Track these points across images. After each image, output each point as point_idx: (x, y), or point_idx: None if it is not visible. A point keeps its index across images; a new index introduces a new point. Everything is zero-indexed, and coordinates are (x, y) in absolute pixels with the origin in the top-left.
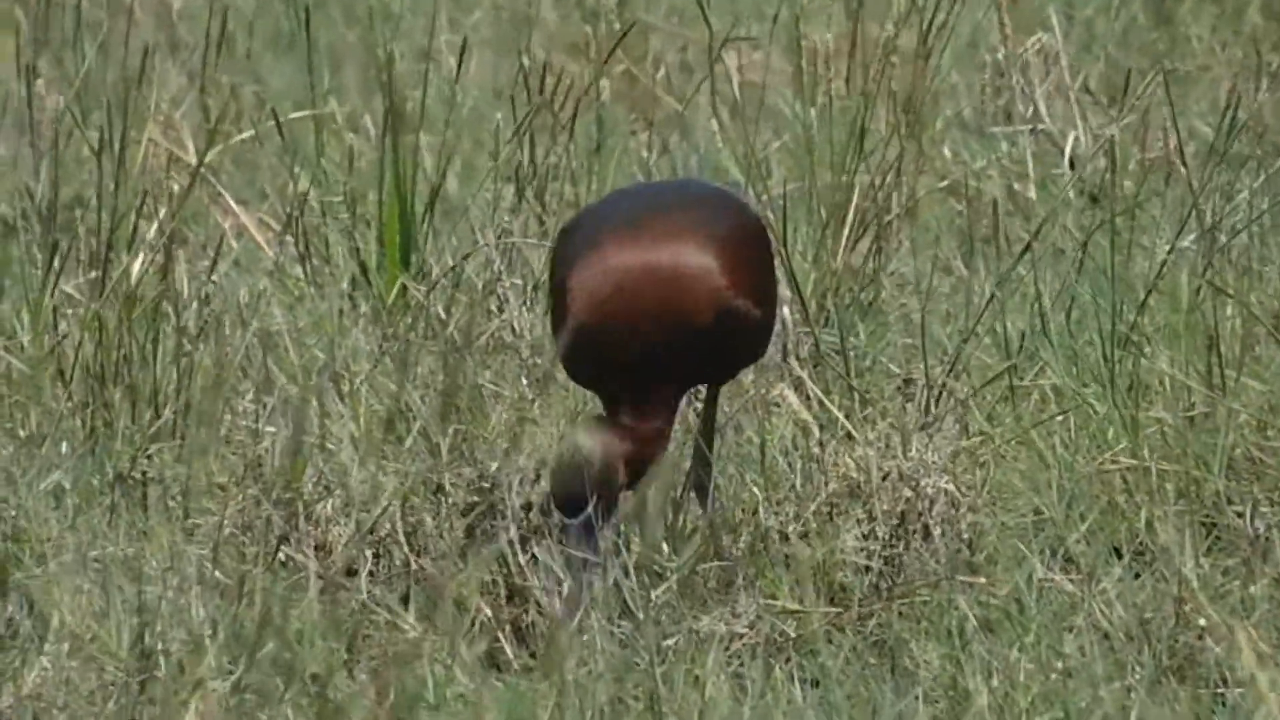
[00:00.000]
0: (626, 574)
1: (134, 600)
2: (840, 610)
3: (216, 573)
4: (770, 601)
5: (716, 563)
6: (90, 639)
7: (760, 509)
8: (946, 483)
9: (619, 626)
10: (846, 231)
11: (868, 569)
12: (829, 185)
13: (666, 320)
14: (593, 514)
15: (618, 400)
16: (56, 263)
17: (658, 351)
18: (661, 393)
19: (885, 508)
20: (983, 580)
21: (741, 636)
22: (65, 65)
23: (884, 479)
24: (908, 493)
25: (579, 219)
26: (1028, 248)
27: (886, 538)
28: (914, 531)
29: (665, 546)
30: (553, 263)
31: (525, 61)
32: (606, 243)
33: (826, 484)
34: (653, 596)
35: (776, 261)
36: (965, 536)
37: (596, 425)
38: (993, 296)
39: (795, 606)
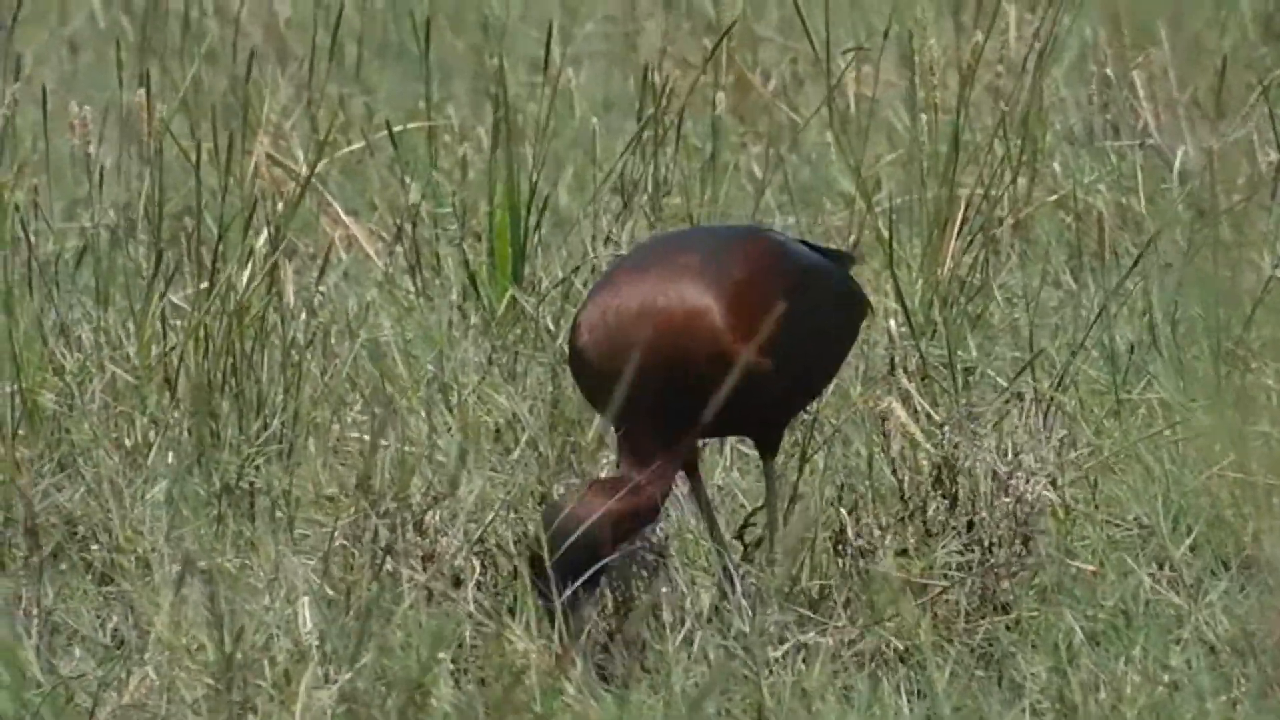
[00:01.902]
0: (734, 588)
1: (240, 610)
2: (946, 623)
3: (323, 584)
4: (876, 615)
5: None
6: (195, 649)
7: (868, 522)
8: (1054, 495)
9: (727, 638)
10: (953, 243)
11: (974, 581)
12: (936, 197)
13: (662, 359)
14: (578, 589)
15: (622, 446)
16: (164, 273)
17: (657, 392)
18: (664, 440)
19: (992, 520)
20: (1091, 569)
21: (848, 648)
22: (173, 74)
23: (991, 491)
24: (1015, 505)
25: (615, 261)
26: (1137, 262)
27: (993, 549)
28: (1019, 543)
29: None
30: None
31: (636, 73)
32: (615, 281)
33: (933, 496)
34: (759, 609)
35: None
36: (1071, 548)
37: (587, 489)
38: (1102, 310)
39: (901, 619)
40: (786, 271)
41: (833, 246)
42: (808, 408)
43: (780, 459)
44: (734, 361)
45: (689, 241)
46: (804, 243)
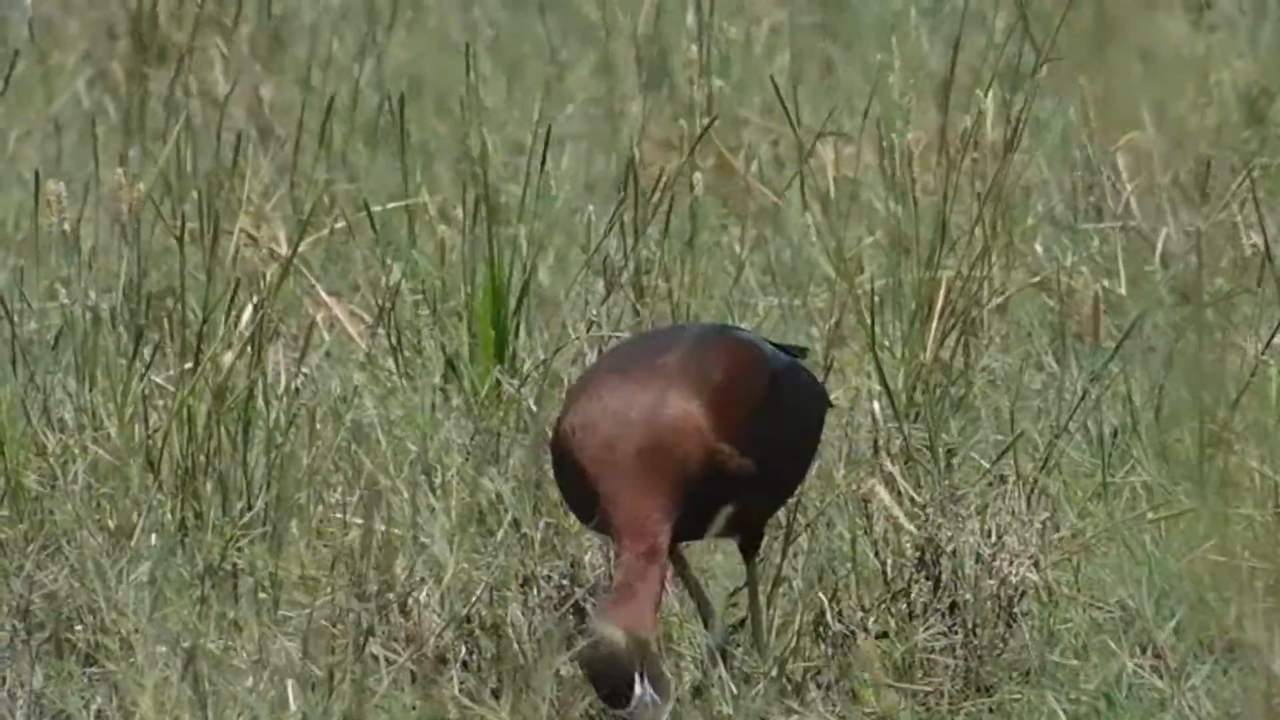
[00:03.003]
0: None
1: (224, 692)
2: (928, 706)
3: (307, 664)
4: (858, 701)
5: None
6: None
7: (851, 604)
8: (1037, 576)
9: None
10: (934, 326)
11: (957, 664)
12: (918, 280)
13: (645, 459)
14: (646, 692)
15: (618, 537)
16: (146, 353)
17: (644, 494)
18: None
19: (975, 601)
20: (1075, 661)
21: None
22: (155, 155)
23: (974, 573)
24: (998, 587)
25: (592, 365)
26: (1120, 345)
27: (976, 631)
28: (1003, 625)
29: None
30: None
31: (618, 155)
32: (595, 385)
33: (916, 578)
34: (743, 694)
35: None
36: (1054, 630)
37: (604, 606)
38: (1085, 394)
39: (883, 703)
40: (760, 371)
41: (789, 342)
42: (785, 506)
43: (764, 540)
44: (718, 461)
45: (664, 343)
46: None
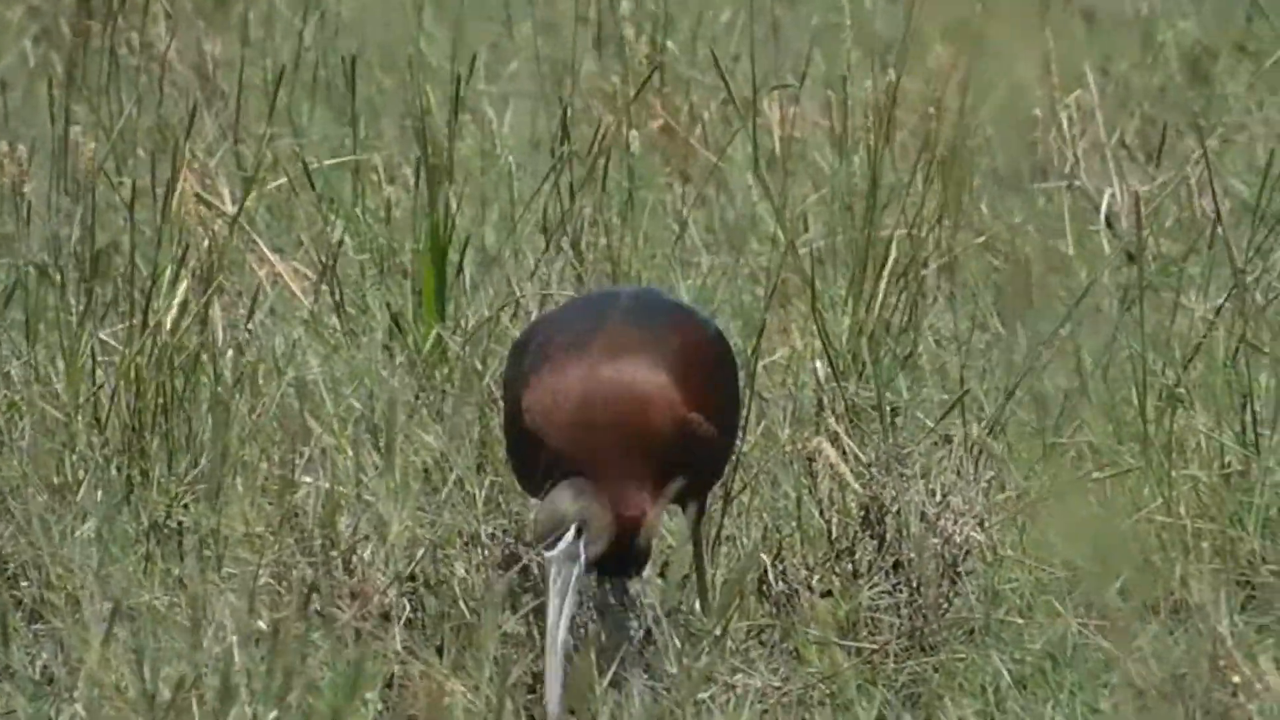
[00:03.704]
0: (659, 629)
1: (168, 649)
2: (873, 664)
3: (251, 621)
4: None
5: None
6: (124, 686)
7: (795, 562)
8: (981, 536)
9: (654, 680)
10: (882, 285)
11: (901, 624)
12: (863, 239)
13: (622, 434)
14: (574, 546)
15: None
16: (93, 310)
17: (618, 463)
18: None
19: (920, 561)
20: (1016, 630)
21: (776, 690)
22: (100, 112)
23: (919, 532)
24: (942, 546)
25: (531, 333)
26: (1071, 312)
27: (920, 590)
28: (947, 584)
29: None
30: (506, 379)
31: (562, 111)
32: (554, 360)
33: (861, 537)
34: (688, 651)
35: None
36: (998, 590)
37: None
38: (1031, 353)
39: (827, 661)
40: (704, 335)
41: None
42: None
43: (708, 500)
44: (691, 430)
45: (613, 314)
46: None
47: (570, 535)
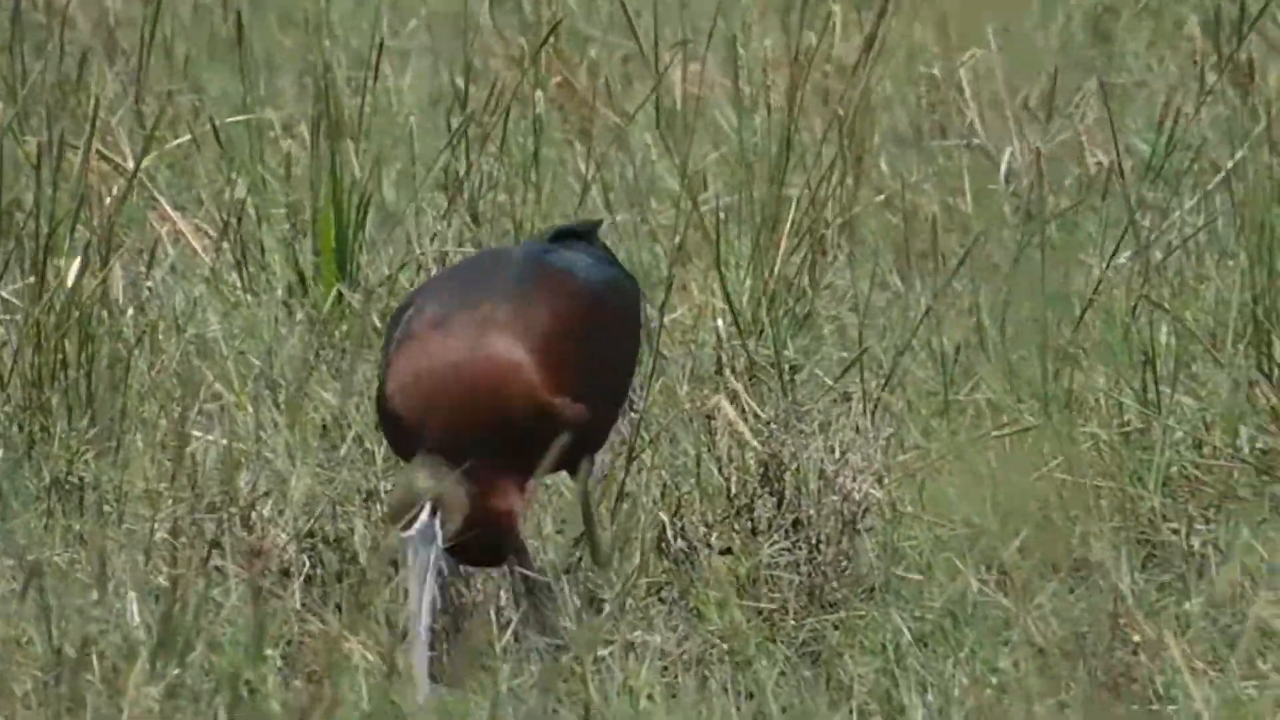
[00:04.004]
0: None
1: (68, 605)
2: (772, 622)
3: (154, 578)
4: (702, 617)
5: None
6: (25, 642)
7: (694, 520)
8: (880, 493)
9: (554, 637)
10: (782, 244)
11: (800, 581)
12: (764, 197)
13: (481, 417)
14: (430, 526)
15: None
16: None
17: (481, 445)
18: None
19: (819, 518)
20: (916, 587)
21: (676, 648)
22: (3, 70)
23: (818, 490)
24: (841, 503)
25: (409, 299)
26: (962, 262)
27: (820, 547)
28: (847, 542)
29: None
30: (384, 345)
31: (460, 70)
32: (417, 336)
33: (760, 494)
34: (586, 609)
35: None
36: (897, 548)
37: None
38: (928, 310)
39: (726, 620)
40: (584, 305)
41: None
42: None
43: (608, 458)
44: (552, 413)
45: (485, 286)
46: (572, 233)
47: (425, 515)
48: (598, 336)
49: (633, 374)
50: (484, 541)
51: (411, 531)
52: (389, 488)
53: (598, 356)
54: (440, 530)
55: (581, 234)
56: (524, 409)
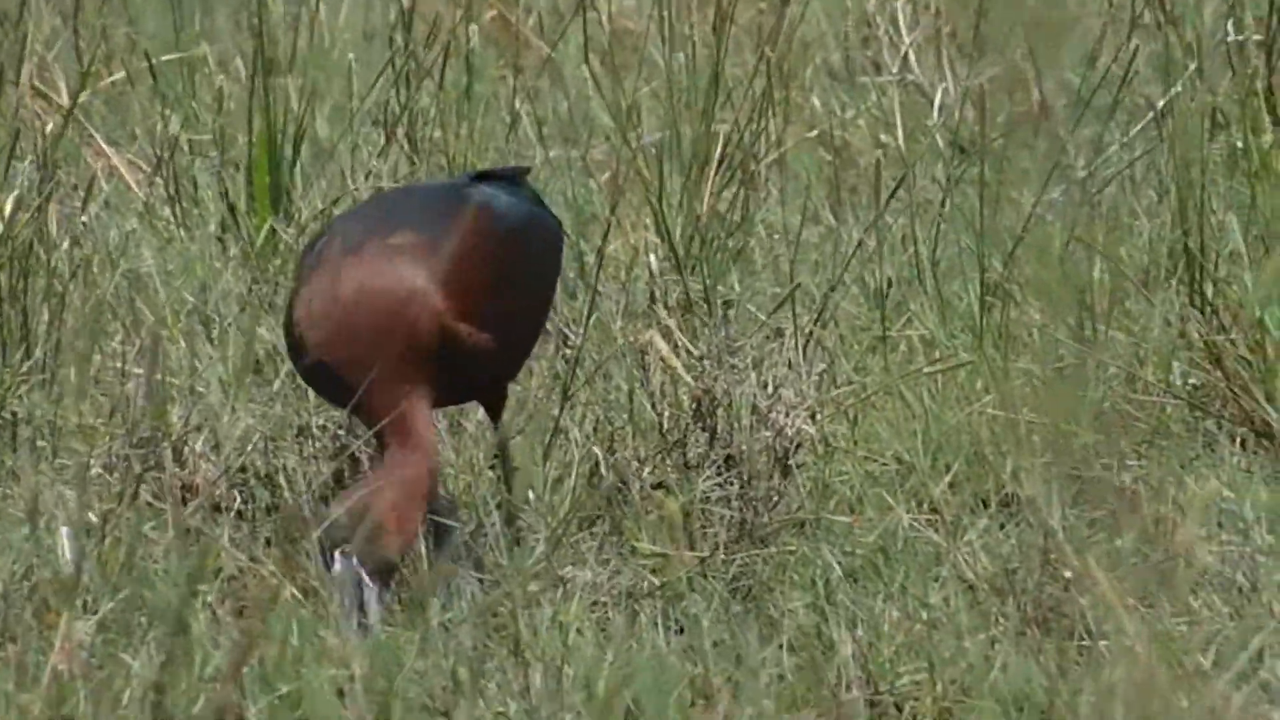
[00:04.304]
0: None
1: (1, 541)
2: (704, 556)
3: (86, 513)
4: (634, 552)
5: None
6: None
7: (626, 455)
8: (813, 429)
9: (484, 573)
10: (712, 179)
11: (732, 516)
12: (695, 132)
13: (382, 343)
14: (346, 568)
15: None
16: None
17: (382, 373)
18: (406, 416)
19: (751, 453)
20: (847, 523)
21: (607, 582)
22: None
23: (751, 425)
24: (774, 439)
25: (323, 228)
26: (892, 194)
27: (752, 482)
28: (778, 477)
29: (531, 494)
30: (295, 272)
31: (395, 5)
32: (328, 263)
33: (693, 429)
34: (519, 544)
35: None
36: (829, 483)
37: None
38: (860, 244)
39: (659, 552)
40: (500, 237)
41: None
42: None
43: (540, 393)
44: (457, 340)
45: (401, 216)
46: (491, 174)
47: (339, 560)
48: (511, 271)
49: (547, 313)
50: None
51: (337, 568)
52: (320, 424)
53: (510, 291)
54: (361, 567)
55: (505, 176)
56: (428, 334)
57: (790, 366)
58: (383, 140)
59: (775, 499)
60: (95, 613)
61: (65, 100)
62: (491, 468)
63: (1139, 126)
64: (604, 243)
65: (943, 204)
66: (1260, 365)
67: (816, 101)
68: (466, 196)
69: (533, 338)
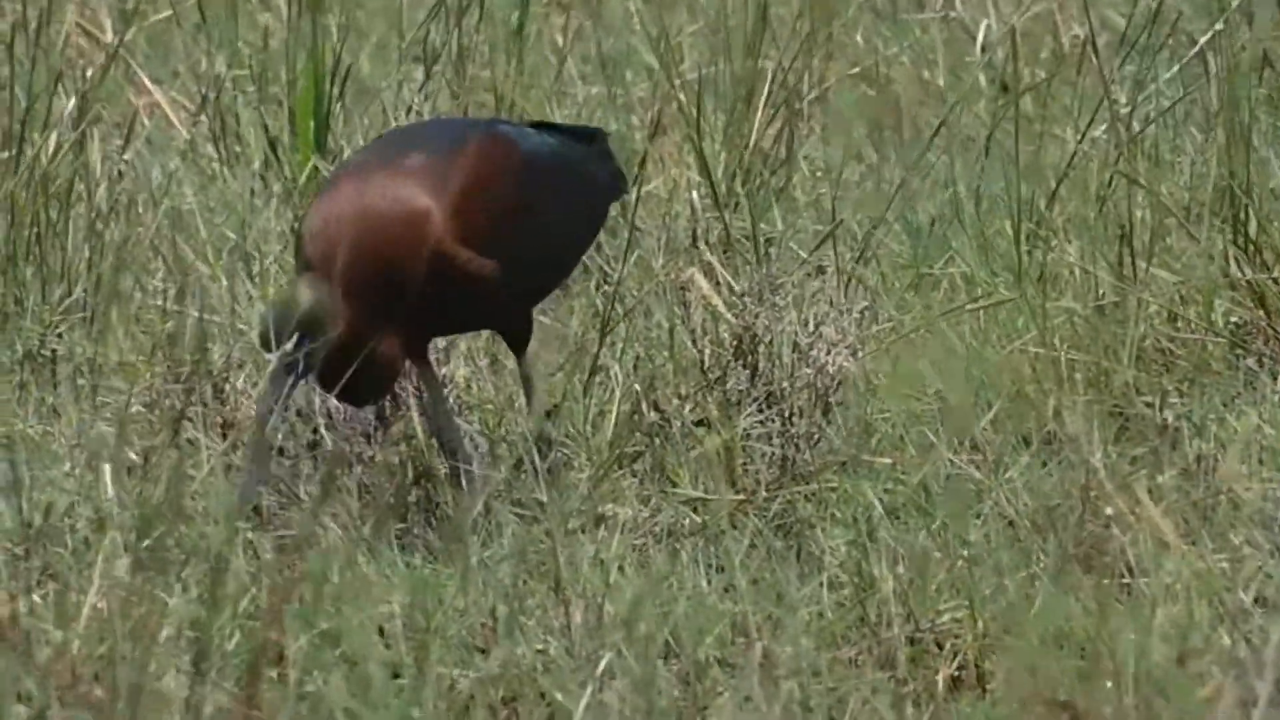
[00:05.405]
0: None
1: (41, 477)
2: (745, 496)
3: (125, 450)
4: (675, 489)
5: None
6: None
7: (667, 393)
8: (854, 366)
9: (524, 509)
10: (757, 116)
11: (774, 454)
12: (741, 70)
13: (381, 264)
14: (294, 353)
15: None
16: None
17: (384, 297)
18: (403, 335)
19: (792, 390)
20: (888, 461)
21: (647, 520)
22: None
23: (792, 362)
24: (815, 376)
25: (351, 154)
26: (935, 134)
27: (793, 419)
28: (819, 414)
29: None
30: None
31: None
32: (338, 184)
33: (734, 367)
34: (560, 480)
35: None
36: (870, 421)
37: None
38: (902, 183)
39: (699, 492)
40: (515, 169)
41: (583, 125)
42: (551, 294)
43: (580, 330)
44: (456, 264)
45: (418, 141)
46: (550, 125)
47: (290, 343)
48: (531, 206)
49: (573, 256)
50: (357, 379)
51: (273, 357)
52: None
53: (529, 225)
54: (303, 357)
55: (569, 132)
56: (425, 255)
57: (831, 304)
58: (424, 77)
59: (816, 436)
60: (135, 550)
61: (109, 38)
62: (529, 405)
63: (1181, 63)
64: (639, 178)
65: (987, 141)
66: None
67: (859, 38)
68: (492, 131)
69: (554, 275)
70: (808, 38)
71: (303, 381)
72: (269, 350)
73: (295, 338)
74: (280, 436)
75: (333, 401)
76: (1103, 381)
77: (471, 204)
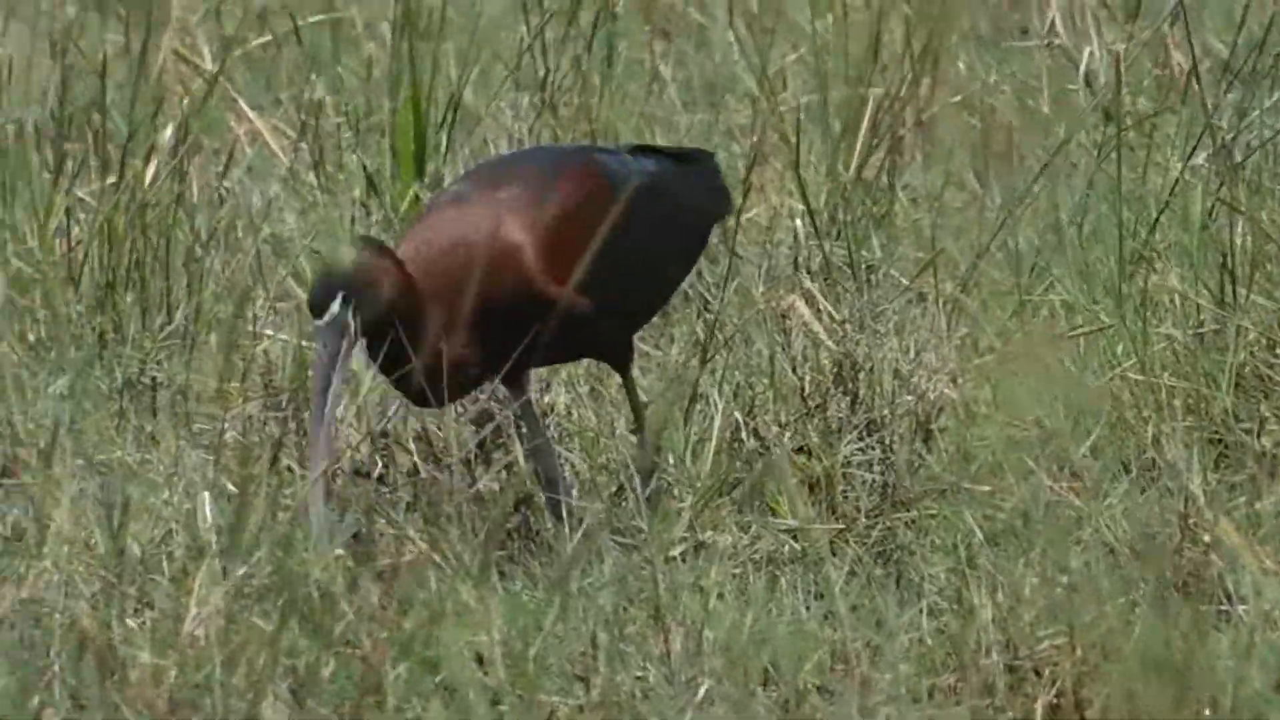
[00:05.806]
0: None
1: (138, 505)
2: (844, 525)
3: (223, 479)
4: (775, 518)
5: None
6: (94, 543)
7: (767, 420)
8: (954, 393)
9: (624, 536)
10: (859, 144)
11: (874, 481)
12: (843, 98)
13: (474, 299)
14: (342, 320)
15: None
16: (69, 167)
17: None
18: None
19: (893, 418)
20: (988, 488)
21: (747, 547)
22: None
23: (893, 389)
24: (916, 403)
25: (453, 181)
26: (1045, 168)
27: (894, 447)
28: (920, 442)
29: (672, 459)
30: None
31: None
32: (433, 213)
33: (835, 394)
34: (660, 508)
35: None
36: (970, 448)
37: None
38: (1009, 213)
39: (799, 521)
40: (609, 199)
41: (689, 147)
42: (654, 317)
43: (681, 358)
44: (549, 300)
45: (514, 171)
46: (653, 149)
47: (337, 304)
48: (626, 235)
49: (674, 282)
50: (421, 378)
51: (322, 320)
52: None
53: (623, 254)
54: (354, 320)
55: (672, 155)
56: (515, 290)
57: (932, 331)
58: (526, 104)
59: (917, 464)
60: (231, 578)
61: (209, 65)
62: (632, 431)
63: None
64: (742, 206)
65: (1090, 169)
66: None
67: (962, 66)
68: (585, 160)
69: (650, 305)
70: (915, 65)
71: (354, 346)
72: (318, 317)
73: (340, 298)
74: (341, 409)
75: (433, 428)
76: (1202, 408)
77: (564, 237)
